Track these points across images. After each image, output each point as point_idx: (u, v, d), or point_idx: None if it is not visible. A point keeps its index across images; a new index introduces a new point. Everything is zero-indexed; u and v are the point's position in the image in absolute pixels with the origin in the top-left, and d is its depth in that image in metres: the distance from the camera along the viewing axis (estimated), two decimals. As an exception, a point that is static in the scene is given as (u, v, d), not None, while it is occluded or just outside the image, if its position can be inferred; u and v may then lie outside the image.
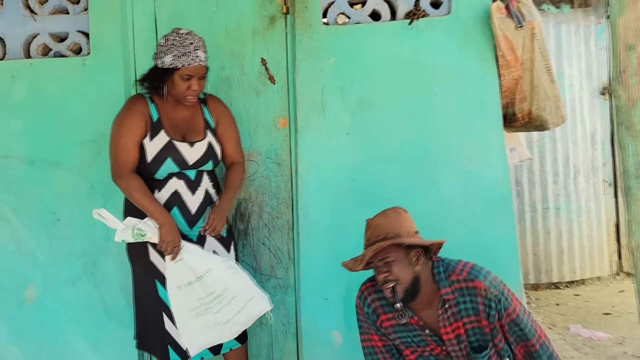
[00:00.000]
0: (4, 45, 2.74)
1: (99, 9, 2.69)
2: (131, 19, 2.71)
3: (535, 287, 4.25)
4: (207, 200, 2.37)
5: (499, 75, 2.58)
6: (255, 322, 2.70)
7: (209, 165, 2.37)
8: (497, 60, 2.58)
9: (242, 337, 2.44)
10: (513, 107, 2.62)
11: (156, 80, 2.29)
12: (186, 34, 2.26)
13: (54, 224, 2.70)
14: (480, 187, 2.62)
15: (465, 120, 2.63)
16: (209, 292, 2.20)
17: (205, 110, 2.43)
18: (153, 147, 2.26)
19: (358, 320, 2.12)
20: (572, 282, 4.31)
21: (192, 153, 2.31)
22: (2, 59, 2.73)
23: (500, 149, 2.63)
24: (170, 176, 2.29)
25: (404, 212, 2.00)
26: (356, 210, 2.62)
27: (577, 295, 4.11)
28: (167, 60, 2.22)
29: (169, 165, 2.27)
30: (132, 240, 2.19)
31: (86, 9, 2.71)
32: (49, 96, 2.69)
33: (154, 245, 2.25)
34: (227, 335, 2.29)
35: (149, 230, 2.18)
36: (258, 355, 2.77)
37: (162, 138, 2.27)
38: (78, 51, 2.78)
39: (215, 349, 2.36)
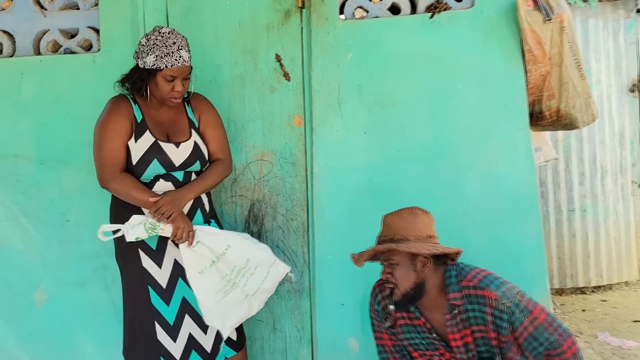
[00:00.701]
0: (14, 42, 2.69)
1: (110, 3, 2.63)
2: (142, 14, 2.63)
3: (560, 292, 4.10)
4: (198, 203, 2.28)
5: (526, 71, 2.46)
6: (269, 328, 2.65)
7: (196, 166, 2.28)
8: (523, 56, 2.46)
9: (238, 344, 2.36)
10: (540, 104, 2.49)
11: (138, 82, 2.19)
12: (169, 33, 2.16)
13: (64, 225, 2.65)
14: (505, 189, 2.50)
15: (489, 119, 2.51)
16: (231, 267, 2.18)
17: (189, 109, 2.34)
18: (138, 148, 2.17)
19: (370, 318, 2.11)
20: (599, 287, 4.16)
21: (178, 154, 2.22)
22: (11, 56, 2.69)
23: (526, 148, 2.50)
24: (157, 178, 2.20)
25: (421, 213, 1.93)
26: (374, 212, 2.51)
27: (604, 300, 3.96)
28: (149, 61, 2.12)
29: (155, 167, 2.18)
30: (146, 236, 2.12)
31: (97, 4, 2.66)
32: (59, 94, 2.63)
33: (146, 250, 2.19)
34: (255, 307, 2.27)
35: (160, 221, 2.12)
36: (272, 362, 2.69)
37: (147, 139, 2.19)
38: (88, 47, 2.72)
39: (210, 358, 2.24)
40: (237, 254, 2.17)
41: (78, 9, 2.69)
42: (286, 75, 2.63)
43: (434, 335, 1.93)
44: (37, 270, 2.65)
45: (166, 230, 2.11)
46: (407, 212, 1.92)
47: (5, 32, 2.69)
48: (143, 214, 2.16)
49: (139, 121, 2.21)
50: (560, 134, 3.91)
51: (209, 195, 2.38)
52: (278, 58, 2.63)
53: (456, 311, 1.85)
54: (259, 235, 2.66)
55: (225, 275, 2.18)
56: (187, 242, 2.12)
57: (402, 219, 1.91)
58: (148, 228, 2.10)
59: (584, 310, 3.78)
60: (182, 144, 2.24)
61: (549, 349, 1.78)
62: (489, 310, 1.80)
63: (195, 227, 2.16)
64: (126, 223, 2.11)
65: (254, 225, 2.67)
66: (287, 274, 2.29)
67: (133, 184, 2.15)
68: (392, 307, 1.90)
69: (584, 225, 4.10)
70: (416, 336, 1.97)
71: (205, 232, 2.17)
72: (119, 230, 2.14)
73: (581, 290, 4.15)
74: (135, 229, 2.10)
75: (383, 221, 1.96)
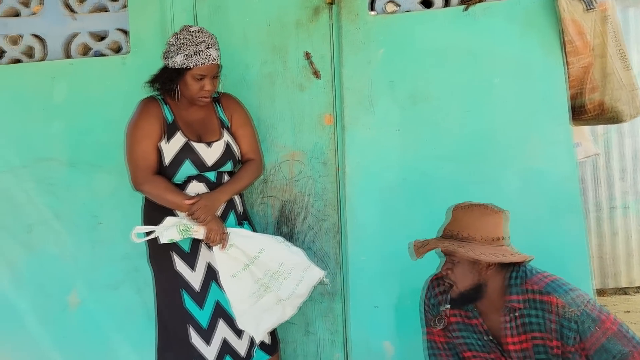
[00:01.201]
0: (45, 46, 2.71)
1: (139, 5, 2.62)
2: (171, 15, 2.62)
3: (601, 292, 3.96)
4: (230, 204, 2.25)
5: (566, 63, 2.36)
6: (301, 331, 2.61)
7: (228, 166, 2.25)
8: (563, 47, 2.36)
9: (272, 348, 2.32)
10: (582, 97, 2.39)
11: (168, 82, 2.17)
12: (197, 32, 2.15)
13: (95, 228, 2.65)
14: (545, 186, 2.40)
15: (528, 114, 2.41)
16: (265, 271, 2.15)
17: (219, 108, 2.32)
18: (170, 149, 2.15)
19: (421, 312, 2.05)
20: (643, 287, 4.00)
21: (210, 154, 2.19)
22: (42, 60, 2.70)
23: (567, 144, 2.40)
24: (189, 179, 2.18)
25: (493, 212, 1.81)
26: (407, 212, 2.49)
27: (649, 301, 3.81)
28: (179, 60, 2.11)
29: (188, 168, 2.16)
30: (179, 238, 2.10)
31: (125, 6, 2.65)
32: (89, 97, 2.63)
33: (179, 253, 2.16)
34: (288, 312, 2.24)
35: (194, 223, 2.10)
36: (305, 366, 2.64)
37: (178, 140, 2.17)
38: (118, 50, 2.72)
39: None
40: (271, 258, 2.13)
41: (107, 11, 2.68)
42: (316, 73, 2.58)
43: (490, 337, 1.85)
44: (70, 273, 2.66)
45: (199, 232, 2.09)
46: (478, 209, 1.81)
47: (36, 36, 2.71)
48: (176, 215, 2.14)
49: (169, 122, 2.19)
50: (600, 128, 3.78)
51: (241, 196, 2.35)
52: (307, 56, 2.58)
53: (514, 314, 1.76)
54: (290, 237, 2.61)
55: (258, 279, 2.14)
56: (220, 244, 2.09)
57: (472, 216, 1.80)
58: (181, 230, 2.07)
59: (627, 312, 3.64)
60: (213, 143, 2.21)
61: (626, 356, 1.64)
62: (554, 318, 1.69)
63: (228, 229, 2.13)
64: (160, 225, 2.09)
65: (285, 227, 2.63)
66: (322, 278, 2.24)
67: (166, 186, 2.13)
68: (447, 306, 1.83)
69: (626, 222, 3.96)
70: (471, 336, 1.89)
71: (238, 235, 2.13)
72: (152, 232, 2.12)
73: (624, 291, 4.00)
74: (169, 231, 2.08)
75: (451, 213, 1.86)
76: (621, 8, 3.83)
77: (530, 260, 1.81)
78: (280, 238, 2.23)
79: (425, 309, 2.03)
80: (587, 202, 3.95)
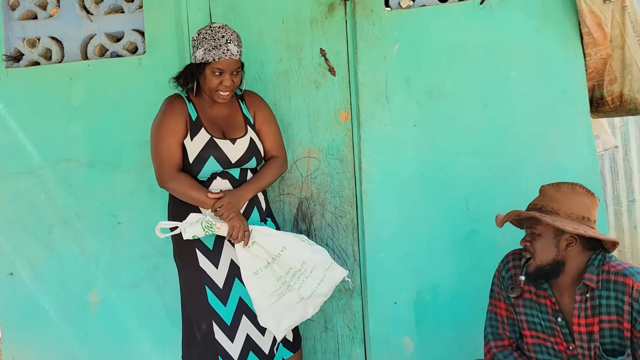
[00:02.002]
0: (62, 48, 2.73)
1: (154, 5, 2.64)
2: (186, 14, 2.63)
3: (621, 286, 3.92)
4: (254, 201, 2.26)
5: (584, 55, 2.34)
6: (320, 327, 2.61)
7: (252, 163, 2.26)
8: (581, 39, 2.34)
9: (294, 345, 2.33)
10: (601, 89, 2.37)
11: (189, 76, 2.19)
12: (219, 27, 2.17)
13: (115, 227, 2.67)
14: (566, 179, 2.34)
15: (547, 107, 2.40)
16: (286, 269, 2.15)
17: (243, 105, 2.33)
18: (194, 146, 2.17)
19: (492, 284, 2.04)
20: (663, 281, 3.95)
21: (234, 150, 2.20)
22: (60, 62, 2.72)
23: (587, 136, 2.38)
24: (214, 176, 2.20)
25: (583, 192, 1.82)
26: (425, 208, 2.49)
27: (670, 295, 3.76)
28: (199, 55, 2.13)
29: (212, 165, 2.17)
30: (202, 235, 2.11)
31: (141, 7, 2.67)
32: (107, 97, 2.66)
33: (203, 250, 2.18)
34: (310, 310, 2.23)
35: (216, 220, 2.11)
36: (324, 362, 2.65)
37: (203, 136, 2.18)
38: (134, 50, 2.74)
39: (267, 359, 2.23)
40: (293, 256, 2.14)
41: (123, 12, 2.70)
42: (331, 70, 2.57)
43: (559, 319, 1.83)
44: (90, 272, 2.69)
45: (222, 229, 2.10)
46: (566, 187, 1.83)
47: (53, 38, 2.74)
48: (200, 212, 2.15)
49: (193, 119, 2.20)
50: (618, 121, 3.73)
51: (265, 193, 2.36)
52: (322, 52, 2.58)
53: (588, 295, 1.76)
54: (308, 234, 2.62)
55: (280, 277, 2.15)
56: (242, 242, 2.10)
57: (559, 192, 1.82)
58: (205, 227, 2.09)
59: (648, 306, 3.59)
60: (237, 140, 2.22)
61: None
62: (627, 300, 1.69)
63: (251, 227, 2.13)
64: (184, 221, 2.11)
65: (302, 224, 2.63)
66: (344, 278, 2.24)
67: (190, 183, 2.14)
68: (522, 277, 1.81)
69: (645, 216, 3.90)
70: (537, 314, 1.88)
71: (261, 233, 2.14)
72: (176, 227, 2.13)
73: (644, 285, 3.95)
74: (193, 227, 2.09)
75: (541, 189, 1.89)
76: (638, -2, 3.78)
77: (617, 245, 1.80)
78: (303, 237, 2.23)
79: (495, 281, 2.01)
80: (606, 195, 3.90)
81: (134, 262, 2.66)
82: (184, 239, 2.12)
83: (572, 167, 2.38)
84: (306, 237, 2.24)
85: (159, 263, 2.64)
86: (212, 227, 2.09)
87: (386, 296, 2.51)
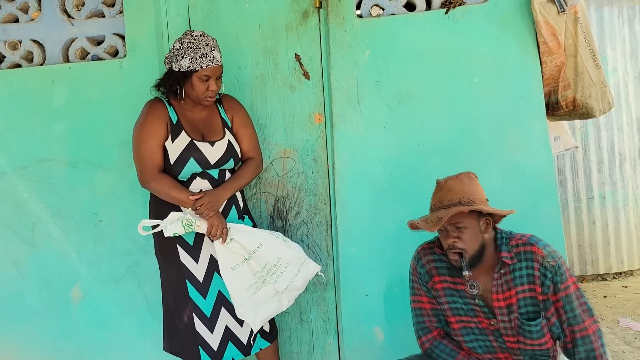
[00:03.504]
0: (44, 51, 2.79)
1: (134, 10, 2.71)
2: (165, 19, 2.72)
3: (581, 279, 4.13)
4: (232, 200, 2.38)
5: (541, 62, 2.50)
6: (296, 319, 2.74)
7: (230, 164, 2.37)
8: (538, 47, 2.50)
9: (271, 336, 2.45)
10: (556, 94, 2.54)
11: (175, 84, 2.29)
12: (200, 36, 2.26)
13: (97, 225, 2.75)
14: (524, 179, 2.55)
15: (506, 110, 2.56)
16: (262, 264, 2.27)
17: (221, 109, 2.44)
18: (175, 148, 2.27)
19: (410, 281, 2.15)
20: (620, 273, 4.17)
21: (213, 152, 2.31)
22: (42, 64, 2.78)
23: (543, 138, 2.55)
24: (193, 176, 2.30)
25: (476, 178, 1.98)
26: (395, 205, 2.62)
27: (626, 287, 3.98)
28: (185, 63, 2.22)
29: (192, 166, 2.28)
30: (183, 232, 2.22)
31: (121, 12, 2.74)
32: (88, 99, 2.73)
33: (184, 246, 2.28)
34: (285, 303, 2.35)
35: (196, 219, 2.22)
36: (299, 352, 2.77)
37: (183, 139, 2.28)
38: (115, 54, 2.81)
39: (246, 350, 2.35)
40: (269, 252, 2.26)
41: (104, 16, 2.77)
42: (306, 74, 2.70)
43: (477, 301, 1.97)
44: (73, 268, 2.76)
45: (202, 227, 2.21)
46: (465, 177, 1.95)
47: (35, 41, 2.79)
48: (181, 211, 2.26)
49: (174, 122, 2.30)
50: (578, 122, 3.93)
51: (242, 192, 2.48)
52: (297, 57, 2.70)
53: (503, 270, 1.92)
54: (283, 230, 2.74)
55: (256, 272, 2.26)
56: (221, 239, 2.21)
57: (463, 183, 1.93)
58: (185, 224, 2.20)
59: (605, 297, 3.81)
60: (216, 142, 2.33)
61: (572, 323, 1.86)
62: (536, 266, 1.88)
63: (229, 224, 2.25)
64: (165, 219, 2.21)
65: (278, 221, 2.75)
66: (317, 272, 2.36)
67: (171, 183, 2.24)
68: (466, 273, 1.88)
69: (603, 212, 4.12)
70: (457, 300, 2.02)
71: (238, 230, 2.26)
72: (157, 225, 2.23)
73: (602, 277, 4.17)
74: (173, 225, 2.20)
75: (440, 185, 1.97)
76: (596, 7, 3.99)
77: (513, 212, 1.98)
78: (278, 234, 2.35)
79: (413, 278, 2.13)
80: (567, 192, 4.10)
81: (116, 259, 2.74)
82: (165, 236, 2.22)
83: (529, 166, 2.55)
84: (281, 235, 2.36)
85: (139, 259, 2.72)
86: (192, 225, 2.20)
87: (358, 289, 2.64)
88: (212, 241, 2.26)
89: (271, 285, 2.29)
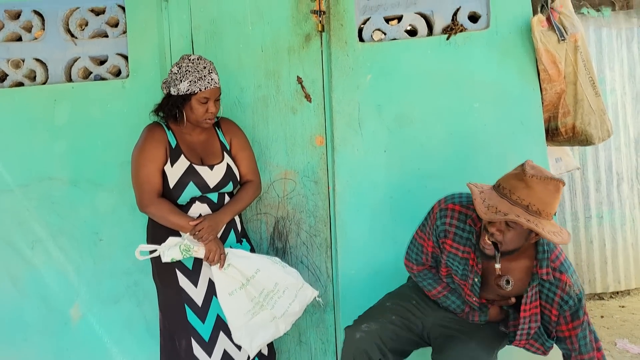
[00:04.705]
0: (47, 70, 2.80)
1: (137, 31, 2.73)
2: (168, 40, 2.73)
3: (578, 298, 4.13)
4: (231, 223, 2.38)
5: (541, 89, 2.53)
6: (295, 341, 2.74)
7: (229, 187, 2.38)
8: (538, 74, 2.53)
9: (269, 359, 2.46)
10: (556, 121, 2.56)
11: (174, 108, 2.30)
12: (198, 59, 2.28)
13: (97, 244, 2.75)
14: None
15: (506, 135, 2.58)
16: (260, 290, 2.27)
17: (220, 132, 2.45)
18: (174, 172, 2.28)
19: (425, 219, 2.16)
20: (617, 292, 4.18)
21: (212, 176, 2.32)
22: (44, 83, 2.79)
23: (543, 163, 2.55)
24: (193, 200, 2.31)
25: (561, 188, 1.81)
26: (394, 228, 2.63)
27: (623, 306, 3.99)
28: (183, 87, 2.24)
29: (191, 190, 2.28)
30: (180, 257, 2.22)
31: (125, 32, 2.76)
32: (90, 118, 2.74)
33: (183, 270, 2.29)
34: (282, 328, 2.35)
35: (194, 244, 2.22)
36: (298, 373, 2.77)
37: (182, 163, 2.29)
38: (117, 73, 2.83)
39: None
40: (266, 278, 2.26)
41: (107, 36, 2.79)
42: (307, 97, 2.72)
43: (476, 280, 2.02)
44: (72, 287, 2.76)
45: (199, 252, 2.22)
46: (553, 184, 1.78)
47: (38, 60, 2.80)
48: (179, 235, 2.27)
49: (173, 146, 2.31)
50: (576, 142, 3.95)
51: (240, 215, 2.48)
52: (299, 80, 2.72)
53: (535, 283, 1.94)
54: (283, 252, 2.75)
55: (253, 297, 2.27)
56: (218, 264, 2.22)
57: (547, 191, 1.77)
58: (183, 250, 2.20)
59: (602, 317, 3.81)
60: (215, 166, 2.34)
61: (582, 352, 1.94)
62: (559, 293, 1.91)
63: (227, 249, 2.26)
64: (163, 244, 2.22)
65: (278, 242, 2.76)
66: (315, 298, 2.37)
67: (169, 208, 2.25)
68: (498, 266, 1.89)
69: (600, 231, 4.14)
70: (457, 267, 2.07)
71: (236, 255, 2.26)
72: (155, 250, 2.24)
73: (599, 296, 4.18)
74: (171, 250, 2.20)
75: (526, 179, 1.79)
76: (594, 28, 4.02)
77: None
78: (276, 259, 2.36)
79: (429, 223, 2.12)
80: (564, 212, 4.12)
81: (115, 278, 2.74)
82: (163, 261, 2.23)
83: (529, 191, 2.56)
84: (279, 260, 2.37)
85: (139, 279, 2.72)
86: (189, 250, 2.20)
87: (357, 311, 2.59)
88: (210, 266, 2.26)
89: (268, 311, 2.29)
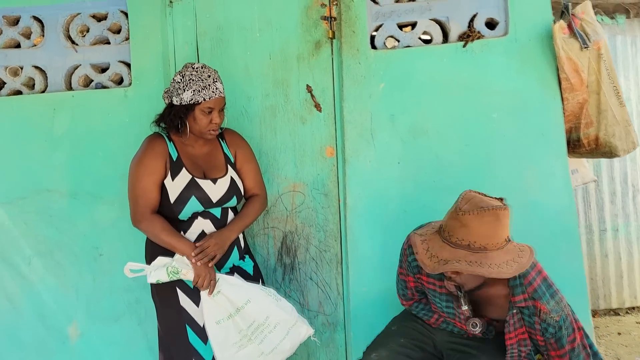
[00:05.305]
0: (46, 78, 2.71)
1: (140, 38, 2.64)
2: (173, 48, 2.64)
3: (593, 313, 4.00)
4: (234, 241, 2.27)
5: (562, 99, 2.42)
6: (304, 362, 2.62)
7: (233, 202, 2.28)
8: (559, 83, 2.43)
9: None
10: (578, 132, 2.46)
11: (176, 118, 2.20)
12: (201, 67, 2.19)
13: (96, 259, 2.65)
14: (543, 218, 2.46)
15: (526, 147, 2.48)
16: (249, 322, 2.13)
17: (224, 144, 2.35)
18: (175, 186, 2.17)
19: (401, 255, 2.11)
20: (633, 308, 4.05)
21: (215, 190, 2.21)
22: (43, 92, 2.70)
23: (564, 176, 2.46)
24: (195, 216, 2.20)
25: (504, 214, 1.73)
26: (408, 243, 2.52)
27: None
28: (187, 96, 2.14)
29: (194, 204, 2.18)
30: (167, 280, 2.11)
31: (127, 39, 2.66)
32: (91, 128, 2.64)
33: (184, 289, 2.17)
34: None
35: (183, 266, 2.10)
36: (306, 395, 2.65)
37: (184, 176, 2.19)
38: (119, 81, 2.73)
39: None
40: (257, 310, 2.12)
41: (109, 43, 2.69)
42: (317, 106, 2.61)
43: (466, 307, 1.88)
44: (70, 304, 2.65)
45: (188, 275, 2.10)
46: (489, 215, 1.69)
47: (37, 67, 2.71)
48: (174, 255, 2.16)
49: (174, 159, 2.21)
50: (590, 152, 3.84)
51: (243, 231, 2.37)
52: (309, 89, 2.61)
53: (515, 311, 1.84)
54: (292, 268, 2.64)
55: (241, 329, 2.12)
56: (208, 290, 2.11)
57: (485, 224, 1.69)
58: (170, 272, 2.09)
59: (619, 334, 3.68)
60: (218, 180, 2.23)
61: None
62: (537, 320, 1.81)
63: (218, 275, 2.13)
64: (152, 264, 2.11)
65: (286, 257, 2.65)
66: (309, 336, 2.21)
67: (162, 226, 2.14)
68: (465, 307, 1.84)
69: (616, 245, 4.02)
70: (441, 302, 2.00)
71: (227, 282, 2.12)
72: (139, 270, 2.12)
73: (615, 312, 4.05)
74: (158, 271, 2.09)
75: (460, 220, 1.72)
76: (609, 36, 3.91)
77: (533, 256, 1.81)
78: (271, 290, 2.20)
79: (403, 259, 2.09)
80: (579, 225, 4.01)
81: (116, 295, 2.63)
82: (148, 282, 2.12)
83: (549, 205, 2.46)
84: (274, 292, 2.21)
85: (140, 296, 2.61)
86: (177, 273, 2.09)
87: (369, 331, 2.49)
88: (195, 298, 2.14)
89: (256, 346, 2.14)
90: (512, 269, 1.69)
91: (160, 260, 2.11)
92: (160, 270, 2.09)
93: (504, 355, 2.00)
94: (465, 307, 1.83)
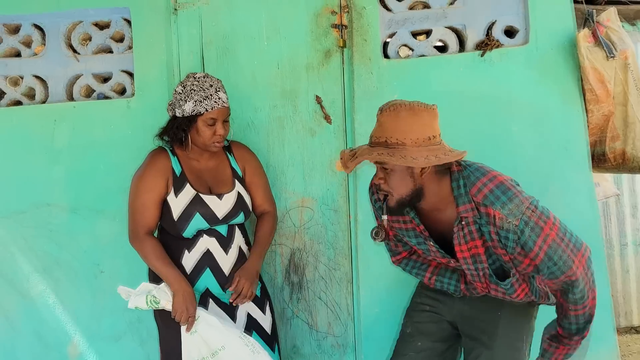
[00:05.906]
0: (47, 88, 2.63)
1: (144, 47, 2.55)
2: (177, 57, 2.55)
3: (614, 332, 3.86)
4: (241, 259, 2.18)
5: (587, 111, 2.30)
6: (312, 386, 2.50)
7: (240, 218, 2.18)
8: (583, 95, 2.31)
9: None
10: (603, 146, 2.34)
11: (179, 132, 2.12)
12: (204, 77, 2.12)
13: (97, 276, 2.56)
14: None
15: (548, 161, 2.37)
16: None
17: (231, 158, 2.26)
18: (179, 203, 2.08)
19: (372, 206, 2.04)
20: (655, 326, 3.91)
21: (221, 206, 2.12)
22: (44, 102, 2.62)
23: (588, 192, 2.34)
24: (200, 234, 2.11)
25: (423, 109, 1.67)
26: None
27: (663, 342, 3.72)
28: (188, 108, 2.06)
29: (198, 222, 2.09)
30: (145, 308, 2.03)
31: (130, 48, 2.58)
32: (93, 140, 2.56)
33: None
34: None
35: (163, 297, 2.02)
36: (315, 421, 2.54)
37: (187, 192, 2.10)
38: (122, 92, 2.64)
39: None
40: (230, 357, 1.99)
41: (111, 52, 2.61)
42: (327, 118, 2.51)
43: (432, 242, 1.82)
44: (70, 323, 2.56)
45: (167, 306, 2.01)
46: (405, 110, 1.65)
47: (37, 77, 2.63)
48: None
49: (177, 174, 2.12)
50: (610, 164, 3.71)
51: (250, 249, 2.27)
52: (318, 100, 2.51)
53: (464, 222, 1.71)
54: (300, 286, 2.53)
55: None
56: (185, 326, 2.01)
57: (399, 119, 1.64)
58: (150, 300, 2.00)
59: (642, 353, 3.54)
60: (224, 195, 2.14)
61: (563, 271, 1.66)
62: (493, 229, 1.67)
63: (200, 313, 2.02)
64: (137, 288, 2.02)
65: (294, 276, 2.54)
66: None
67: (153, 249, 2.06)
68: (384, 217, 1.76)
69: (637, 260, 3.89)
70: (411, 238, 1.90)
71: (206, 323, 2.01)
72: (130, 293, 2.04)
73: (636, 330, 3.91)
74: (138, 298, 2.00)
75: (377, 117, 1.71)
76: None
77: (464, 156, 1.73)
78: (250, 339, 2.03)
79: (373, 209, 2.04)
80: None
81: (117, 314, 2.54)
82: (128, 307, 2.02)
83: (572, 222, 2.28)
84: (254, 341, 2.05)
85: (142, 315, 2.51)
86: (157, 303, 2.00)
87: (381, 353, 2.41)
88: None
89: None
90: (426, 160, 1.61)
91: (144, 286, 2.04)
92: (140, 298, 2.01)
93: (516, 346, 1.89)
94: (384, 217, 1.77)
